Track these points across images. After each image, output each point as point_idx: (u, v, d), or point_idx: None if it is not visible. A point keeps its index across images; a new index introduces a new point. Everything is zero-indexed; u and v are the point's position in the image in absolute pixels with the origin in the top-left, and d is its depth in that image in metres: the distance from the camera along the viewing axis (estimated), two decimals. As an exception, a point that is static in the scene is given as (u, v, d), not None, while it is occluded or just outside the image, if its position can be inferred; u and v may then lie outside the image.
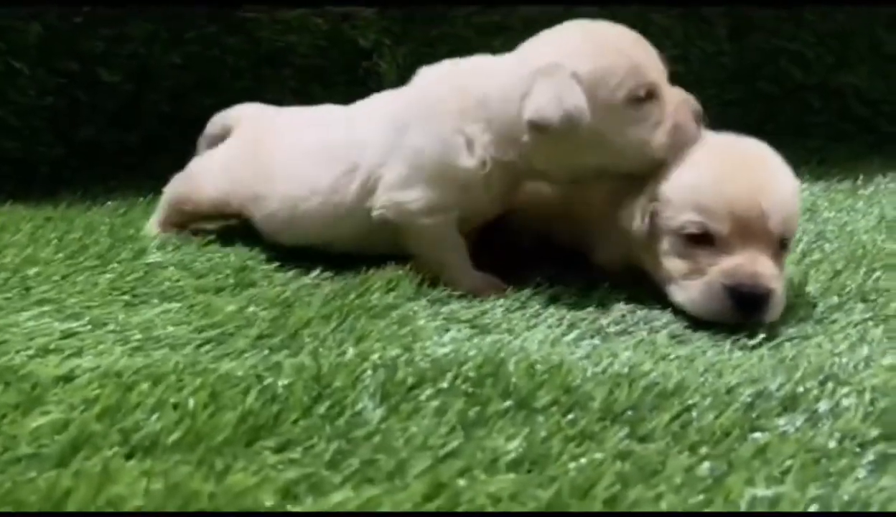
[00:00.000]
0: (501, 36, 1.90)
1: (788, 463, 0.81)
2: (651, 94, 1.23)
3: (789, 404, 0.95)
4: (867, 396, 0.95)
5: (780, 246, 1.21)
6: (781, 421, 0.91)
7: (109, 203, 1.77)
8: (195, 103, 1.89)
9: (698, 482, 0.78)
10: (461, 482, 0.77)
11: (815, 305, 1.27)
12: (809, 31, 2.12)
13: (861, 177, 2.11)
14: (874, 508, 0.76)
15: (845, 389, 0.97)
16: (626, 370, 1.01)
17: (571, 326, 1.19)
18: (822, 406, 0.94)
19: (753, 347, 1.12)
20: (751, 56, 2.12)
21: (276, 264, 1.42)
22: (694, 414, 0.92)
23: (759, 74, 2.14)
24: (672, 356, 1.08)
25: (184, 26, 1.83)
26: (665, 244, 1.22)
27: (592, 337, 1.16)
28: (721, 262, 1.18)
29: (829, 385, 0.98)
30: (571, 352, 1.08)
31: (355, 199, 1.34)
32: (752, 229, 1.19)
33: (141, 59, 1.83)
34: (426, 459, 0.82)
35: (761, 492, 0.77)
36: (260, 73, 1.91)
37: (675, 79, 1.28)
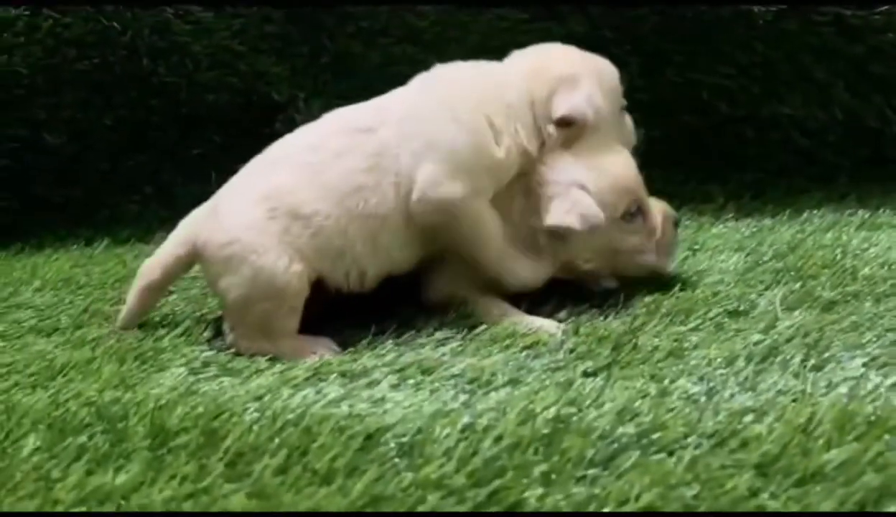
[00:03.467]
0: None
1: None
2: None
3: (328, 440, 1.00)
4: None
5: None
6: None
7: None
8: (129, 159, 2.12)
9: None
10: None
11: (574, 349, 1.28)
12: (728, 63, 2.05)
13: (788, 212, 2.02)
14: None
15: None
16: (289, 413, 1.08)
17: (315, 371, 1.26)
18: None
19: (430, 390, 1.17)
20: (667, 91, 2.08)
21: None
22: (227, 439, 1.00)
23: (681, 109, 2.09)
24: (342, 397, 1.15)
25: (111, 92, 2.04)
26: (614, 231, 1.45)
27: (322, 380, 1.23)
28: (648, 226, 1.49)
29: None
30: (266, 396, 1.15)
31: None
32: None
33: (78, 122, 2.06)
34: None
35: None
36: (186, 131, 2.10)
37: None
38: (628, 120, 1.58)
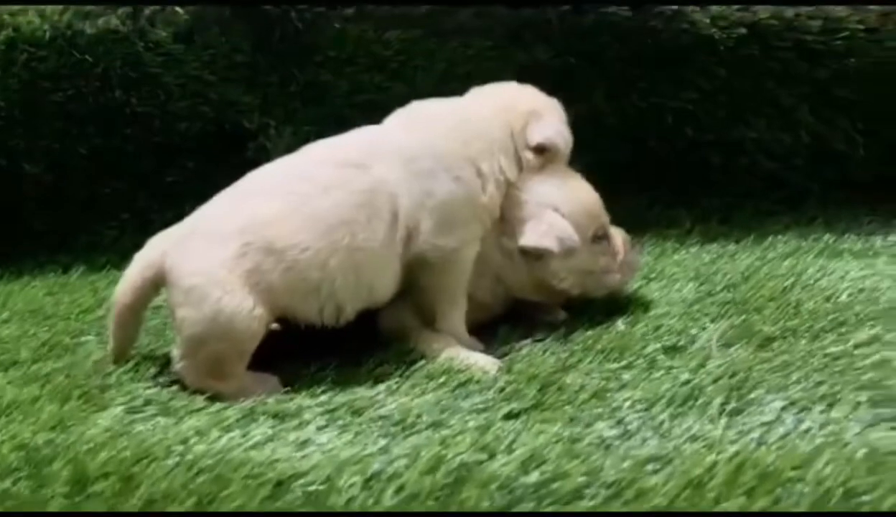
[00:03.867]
0: (379, 113, 2.01)
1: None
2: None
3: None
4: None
5: None
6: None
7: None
8: (106, 187, 2.16)
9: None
10: None
11: (503, 388, 1.30)
12: (691, 88, 2.05)
13: (753, 236, 2.02)
14: None
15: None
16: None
17: (249, 412, 1.29)
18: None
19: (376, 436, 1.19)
20: (633, 116, 2.09)
21: (87, 337, 1.62)
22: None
23: (647, 133, 2.10)
24: (268, 440, 1.18)
25: (86, 122, 2.09)
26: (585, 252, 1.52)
27: (254, 420, 1.26)
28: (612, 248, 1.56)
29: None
30: (193, 438, 1.18)
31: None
32: None
33: (55, 152, 2.11)
34: None
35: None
36: (160, 159, 2.14)
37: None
38: None
